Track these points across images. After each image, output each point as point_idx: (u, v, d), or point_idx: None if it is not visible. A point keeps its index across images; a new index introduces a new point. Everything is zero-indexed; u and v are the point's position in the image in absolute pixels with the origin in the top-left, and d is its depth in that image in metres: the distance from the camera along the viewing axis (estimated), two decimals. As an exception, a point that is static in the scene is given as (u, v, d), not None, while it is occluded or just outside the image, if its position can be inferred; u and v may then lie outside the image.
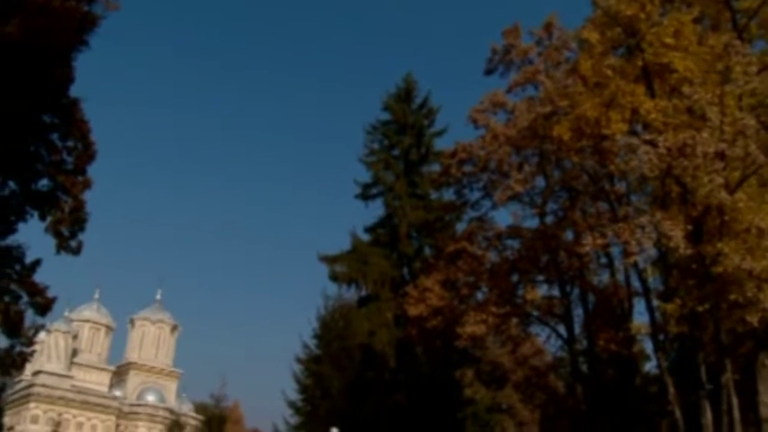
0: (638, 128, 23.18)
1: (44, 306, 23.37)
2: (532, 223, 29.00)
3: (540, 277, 29.37)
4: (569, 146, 23.41)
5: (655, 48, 21.68)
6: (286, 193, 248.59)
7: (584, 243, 23.84)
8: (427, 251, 39.02)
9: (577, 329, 30.27)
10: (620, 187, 26.44)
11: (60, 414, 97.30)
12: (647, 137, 21.55)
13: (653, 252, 23.75)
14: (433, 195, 39.18)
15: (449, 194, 33.47)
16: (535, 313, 29.86)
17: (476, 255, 28.71)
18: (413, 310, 29.45)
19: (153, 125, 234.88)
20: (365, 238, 41.37)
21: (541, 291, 28.97)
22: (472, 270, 28.60)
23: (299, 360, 51.29)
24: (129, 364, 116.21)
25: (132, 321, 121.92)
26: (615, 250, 27.15)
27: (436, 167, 37.47)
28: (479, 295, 29.75)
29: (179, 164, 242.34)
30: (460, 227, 32.16)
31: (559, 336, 30.57)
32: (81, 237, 23.79)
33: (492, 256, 29.21)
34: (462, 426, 41.05)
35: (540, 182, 28.72)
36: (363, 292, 40.16)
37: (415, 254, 39.54)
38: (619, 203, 25.79)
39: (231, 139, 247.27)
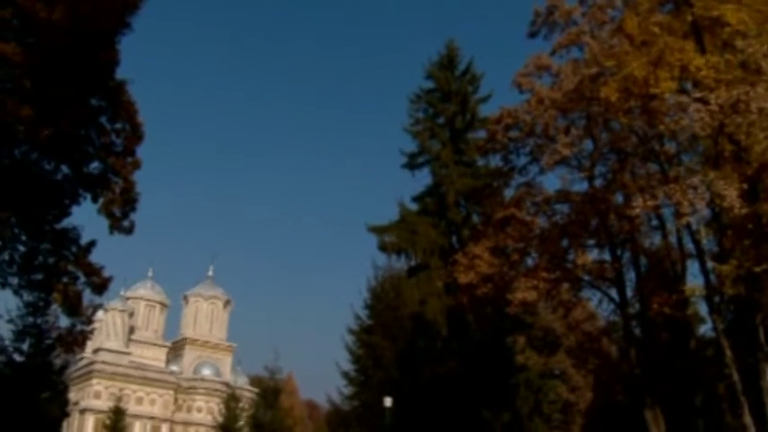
0: (688, 86, 22.67)
1: (101, 286, 23.96)
2: (581, 187, 28.65)
3: (591, 241, 29.06)
4: (617, 107, 23.00)
5: (704, 1, 21.10)
6: (333, 166, 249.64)
7: (635, 205, 23.50)
8: (475, 218, 38.89)
9: (630, 293, 29.91)
10: (671, 147, 25.89)
11: (121, 389, 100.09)
12: (698, 94, 21.05)
13: (706, 212, 23.27)
14: (480, 162, 38.99)
15: (495, 161, 33.24)
16: (586, 278, 29.60)
17: (525, 220, 28.51)
18: (463, 278, 29.43)
19: (199, 102, 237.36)
20: (413, 207, 41.44)
21: (592, 255, 28.73)
22: (521, 236, 28.43)
23: (350, 331, 51.82)
24: (185, 339, 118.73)
25: (186, 298, 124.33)
26: (667, 212, 26.72)
27: (482, 134, 37.22)
28: (529, 261, 29.60)
29: (226, 140, 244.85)
30: (508, 193, 31.87)
31: (611, 300, 30.27)
32: (133, 216, 24.29)
33: (541, 222, 28.98)
34: (515, 392, 41.13)
35: (587, 145, 28.30)
36: (413, 262, 40.33)
37: (463, 222, 39.47)
38: (669, 164, 25.31)
39: (278, 114, 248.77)
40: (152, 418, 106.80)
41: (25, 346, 31.48)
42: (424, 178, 42.05)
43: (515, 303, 27.75)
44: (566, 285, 30.21)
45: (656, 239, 30.31)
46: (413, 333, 39.28)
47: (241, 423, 67.74)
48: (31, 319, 30.93)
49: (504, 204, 30.47)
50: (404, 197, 42.04)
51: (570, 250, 28.38)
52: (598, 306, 33.58)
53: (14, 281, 23.63)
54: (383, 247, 40.14)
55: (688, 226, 24.73)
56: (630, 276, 29.86)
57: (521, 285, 27.30)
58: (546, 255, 28.23)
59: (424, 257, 39.38)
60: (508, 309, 29.11)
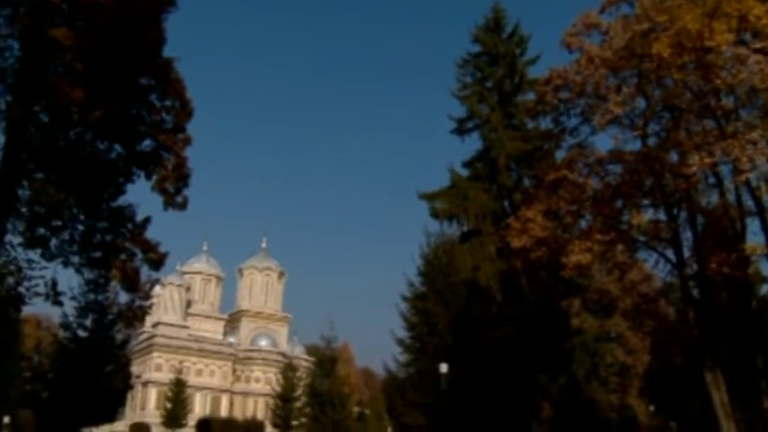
0: (747, 37, 21.88)
1: (157, 261, 24.36)
2: (634, 146, 27.99)
3: (646, 201, 28.47)
4: (670, 63, 22.35)
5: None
6: (383, 135, 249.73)
7: (691, 163, 22.95)
8: (527, 182, 38.55)
9: (687, 253, 29.29)
10: (728, 102, 25.09)
11: (181, 362, 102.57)
12: (758, 45, 20.35)
13: (766, 168, 22.65)
14: (530, 125, 38.48)
15: (546, 123, 32.70)
16: (641, 238, 29.09)
17: (577, 182, 28.04)
18: (516, 242, 29.18)
19: (248, 76, 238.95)
20: (463, 172, 41.28)
21: (647, 215, 28.12)
22: (574, 198, 27.98)
23: (404, 298, 52.02)
24: (241, 311, 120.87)
25: (240, 270, 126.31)
26: (724, 169, 26.03)
27: (531, 96, 36.72)
28: (583, 223, 29.14)
29: (276, 114, 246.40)
30: (560, 155, 31.39)
31: (668, 260, 29.70)
32: (186, 192, 24.56)
33: (594, 183, 28.46)
34: (571, 356, 40.97)
35: (640, 103, 27.59)
36: (465, 228, 40.25)
37: (514, 185, 39.18)
38: (726, 119, 24.56)
39: (325, 86, 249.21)
40: (212, 389, 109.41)
41: (88, 322, 32.50)
42: (473, 143, 41.82)
43: (570, 266, 27.41)
44: (620, 247, 29.73)
45: (714, 197, 29.56)
46: (467, 299, 39.25)
47: (299, 392, 69.01)
48: (92, 296, 31.90)
49: (555, 166, 30.00)
50: (454, 163, 41.91)
51: (624, 211, 27.89)
52: (654, 267, 32.97)
53: (75, 259, 24.17)
54: (435, 214, 40.13)
55: (747, 183, 24.08)
56: (687, 236, 29.22)
57: (575, 248, 26.94)
58: (600, 216, 27.76)
59: (475, 223, 39.24)
60: (562, 272, 28.81)
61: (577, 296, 43.21)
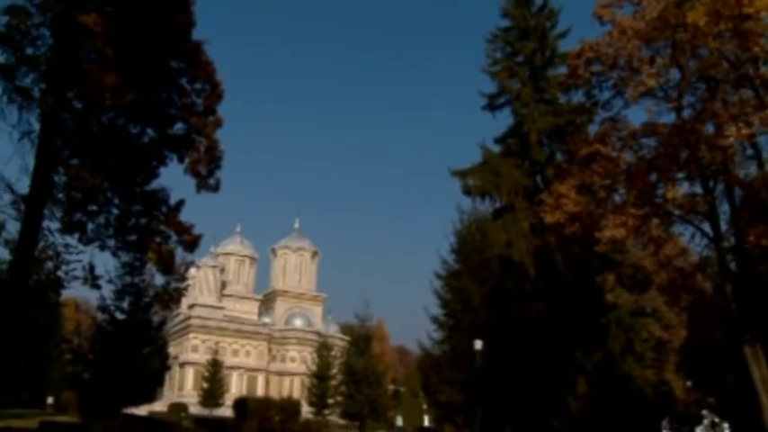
0: (787, 2, 21.32)
1: (191, 243, 24.66)
2: (669, 118, 27.49)
3: (681, 174, 27.98)
4: (706, 32, 21.87)
5: None
6: (414, 113, 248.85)
7: (728, 134, 22.50)
8: (559, 157, 38.20)
9: (724, 226, 28.78)
10: (767, 71, 24.58)
11: (217, 342, 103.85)
12: (799, 10, 19.85)
13: (805, 138, 22.17)
14: (562, 99, 38.06)
15: (578, 97, 32.24)
16: (677, 212, 28.62)
17: (610, 156, 27.63)
18: (549, 218, 28.93)
19: (278, 57, 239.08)
20: (495, 149, 41.09)
21: (683, 188, 27.65)
22: (608, 172, 27.61)
23: (438, 275, 52.00)
24: (275, 291, 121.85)
25: (274, 251, 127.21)
26: (762, 140, 25.49)
27: (562, 70, 36.20)
28: (617, 198, 28.76)
29: (305, 93, 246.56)
30: (592, 129, 30.98)
31: (704, 234, 29.23)
32: (218, 174, 24.85)
33: (628, 157, 28.01)
34: (606, 331, 40.65)
35: (674, 74, 27.04)
36: (498, 204, 40.12)
37: (547, 160, 38.87)
38: (765, 89, 23.98)
39: (355, 64, 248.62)
40: (248, 368, 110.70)
41: (125, 305, 33.02)
42: (505, 119, 41.61)
43: (604, 241, 27.15)
44: (655, 221, 29.29)
45: (752, 169, 28.94)
46: (500, 275, 39.14)
47: (334, 370, 69.55)
48: (128, 279, 32.38)
49: (588, 141, 29.62)
50: (486, 139, 41.70)
51: (659, 185, 27.46)
52: (690, 241, 32.51)
53: (111, 243, 24.55)
54: (467, 191, 40.00)
55: (786, 153, 23.62)
56: (724, 209, 28.70)
57: (609, 223, 26.64)
58: (634, 190, 27.36)
59: (508, 199, 39.08)
60: (597, 247, 28.60)
61: (612, 271, 42.85)
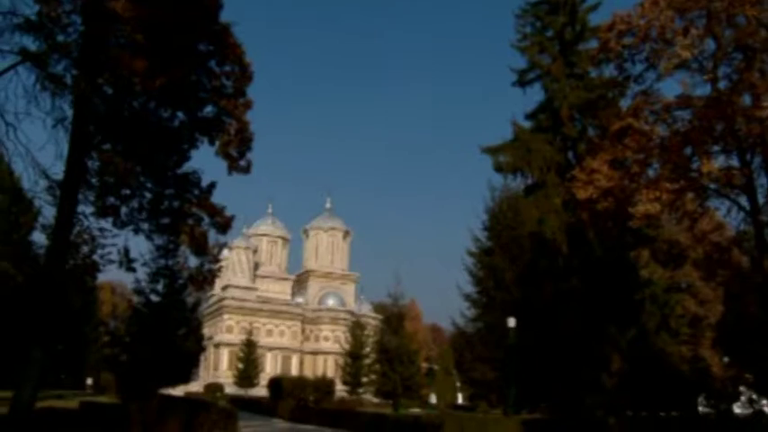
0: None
1: (224, 225, 24.82)
2: (704, 90, 26.93)
3: (716, 147, 27.45)
4: (742, -1, 21.39)
5: None
6: (443, 91, 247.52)
7: (765, 105, 22.04)
8: (591, 132, 37.81)
9: (761, 199, 28.19)
10: (807, 38, 23.96)
11: (251, 323, 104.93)
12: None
13: None
14: (593, 73, 37.59)
15: (609, 70, 31.75)
16: (713, 186, 28.13)
17: (643, 130, 27.17)
18: (581, 194, 28.59)
19: (306, 36, 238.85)
20: (526, 125, 40.74)
21: (718, 162, 27.11)
22: (641, 147, 27.16)
23: (470, 253, 51.93)
24: (308, 271, 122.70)
25: (306, 231, 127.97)
26: (802, 109, 24.92)
27: (593, 44, 35.71)
28: (650, 172, 28.29)
29: (336, 73, 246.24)
30: (624, 103, 30.51)
31: (741, 208, 28.70)
32: (249, 156, 24.93)
33: (661, 130, 27.53)
34: (640, 307, 40.35)
35: (709, 45, 26.43)
36: (529, 180, 39.84)
37: (578, 136, 38.48)
38: (804, 57, 23.49)
39: (384, 42, 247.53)
40: (282, 348, 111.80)
41: (160, 287, 33.39)
42: (535, 95, 41.18)
43: (638, 216, 26.77)
44: (690, 195, 28.82)
45: (790, 141, 28.40)
46: (533, 252, 38.92)
47: (367, 349, 69.92)
48: (163, 262, 32.68)
49: (620, 115, 29.17)
50: (516, 115, 41.39)
51: (694, 158, 26.97)
52: (726, 215, 31.89)
53: (145, 226, 24.81)
54: (498, 168, 39.78)
55: (826, 124, 23.02)
56: (762, 182, 28.13)
57: (642, 198, 26.25)
58: (668, 164, 26.92)
59: (540, 175, 38.80)
60: (630, 222, 28.22)
61: (646, 247, 42.39)
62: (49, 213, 24.49)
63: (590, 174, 28.45)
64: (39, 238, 31.81)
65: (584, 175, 28.98)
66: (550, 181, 38.13)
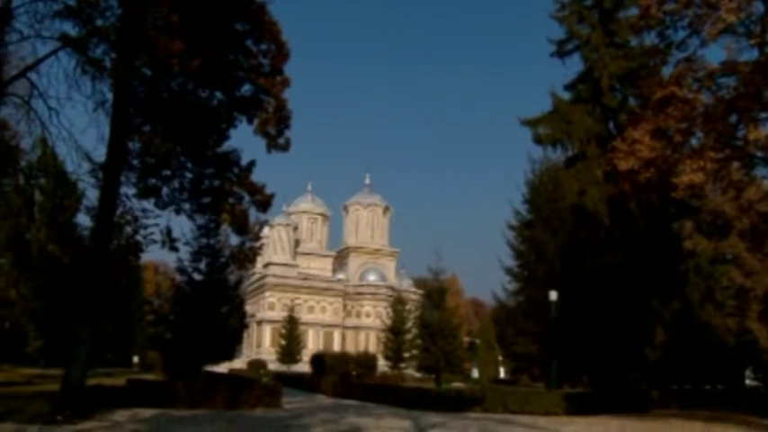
0: None
1: (264, 203, 24.98)
2: (750, 55, 26.16)
3: (764, 114, 26.76)
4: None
5: None
6: (481, 63, 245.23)
7: (815, 69, 21.40)
8: (632, 101, 37.21)
9: (811, 174, 27.60)
10: None
11: (292, 300, 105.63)
12: None
13: None
14: (634, 42, 36.88)
15: (650, 38, 31.04)
16: (759, 154, 27.46)
17: (687, 98, 26.58)
18: (623, 165, 28.14)
19: (343, 13, 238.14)
20: (565, 96, 40.20)
21: (766, 129, 26.55)
22: (684, 115, 26.60)
23: (511, 226, 51.78)
24: (348, 248, 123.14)
25: (346, 207, 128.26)
26: None
27: (633, 12, 34.93)
28: (694, 141, 27.76)
29: (373, 49, 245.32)
30: (667, 71, 29.81)
31: (789, 176, 28.12)
32: (288, 133, 25.03)
33: (705, 98, 26.90)
34: (684, 279, 39.82)
35: (756, 7, 25.57)
36: (569, 152, 39.40)
37: (619, 106, 37.88)
38: None
39: (423, 17, 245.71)
40: (324, 324, 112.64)
41: (202, 266, 33.75)
42: (574, 65, 40.69)
43: (681, 187, 26.30)
44: (736, 164, 28.22)
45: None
46: (574, 225, 38.57)
47: (409, 324, 70.07)
48: (204, 241, 33.03)
49: (662, 83, 28.54)
50: (555, 87, 40.85)
51: (740, 126, 26.34)
52: (774, 184, 31.35)
53: (186, 206, 25.10)
54: (538, 140, 39.37)
55: None
56: (812, 153, 27.47)
57: (686, 167, 25.77)
58: (712, 133, 26.35)
59: (580, 147, 38.36)
60: (673, 193, 27.76)
61: (690, 218, 41.71)
62: (92, 195, 24.95)
63: (631, 144, 27.99)
64: (83, 220, 32.33)
65: (625, 146, 28.52)
66: (591, 152, 37.67)
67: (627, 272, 34.87)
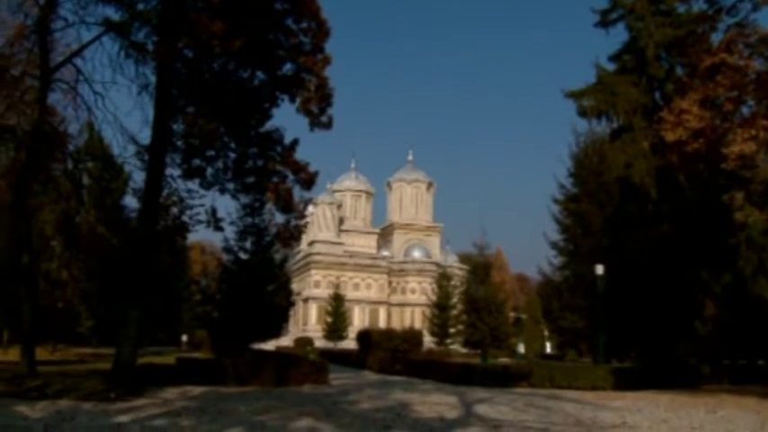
0: None
1: (308, 181, 25.01)
2: (805, 19, 25.44)
3: (818, 80, 25.99)
4: None
5: None
6: (523, 36, 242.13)
7: None
8: (679, 71, 36.33)
9: None
10: None
11: (338, 277, 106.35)
12: None
13: None
14: (680, 9, 35.97)
15: (698, 4, 30.25)
16: (814, 121, 26.71)
17: (737, 65, 25.83)
18: (670, 136, 27.56)
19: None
20: (610, 67, 39.44)
21: (820, 95, 25.72)
22: (734, 83, 25.88)
23: (556, 201, 51.28)
24: (392, 224, 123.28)
25: (389, 184, 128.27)
26: None
27: (680, -23, 34.12)
28: (745, 110, 27.05)
29: (415, 24, 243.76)
30: (716, 38, 29.03)
31: None
32: (330, 111, 24.95)
33: (757, 65, 26.08)
34: (735, 252, 38.91)
35: (812, -32, 24.86)
36: (615, 124, 38.77)
37: (666, 76, 37.01)
38: None
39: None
40: (369, 301, 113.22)
41: (248, 245, 34.06)
42: (619, 35, 39.86)
43: (731, 157, 25.65)
44: (789, 133, 27.49)
45: None
46: (620, 198, 38.01)
47: (454, 300, 70.04)
48: (249, 220, 33.28)
49: (711, 51, 27.78)
50: (600, 57, 40.17)
51: (794, 93, 25.61)
52: (830, 151, 30.35)
53: (230, 186, 25.31)
54: (582, 112, 38.76)
55: None
56: None
57: (736, 137, 25.12)
58: (765, 101, 25.62)
59: (626, 118, 37.67)
60: (723, 164, 27.08)
61: (741, 189, 40.58)
62: (138, 178, 25.29)
63: (679, 115, 27.36)
64: (130, 202, 32.84)
65: (672, 117, 27.89)
66: (637, 124, 36.98)
67: (675, 245, 34.28)
